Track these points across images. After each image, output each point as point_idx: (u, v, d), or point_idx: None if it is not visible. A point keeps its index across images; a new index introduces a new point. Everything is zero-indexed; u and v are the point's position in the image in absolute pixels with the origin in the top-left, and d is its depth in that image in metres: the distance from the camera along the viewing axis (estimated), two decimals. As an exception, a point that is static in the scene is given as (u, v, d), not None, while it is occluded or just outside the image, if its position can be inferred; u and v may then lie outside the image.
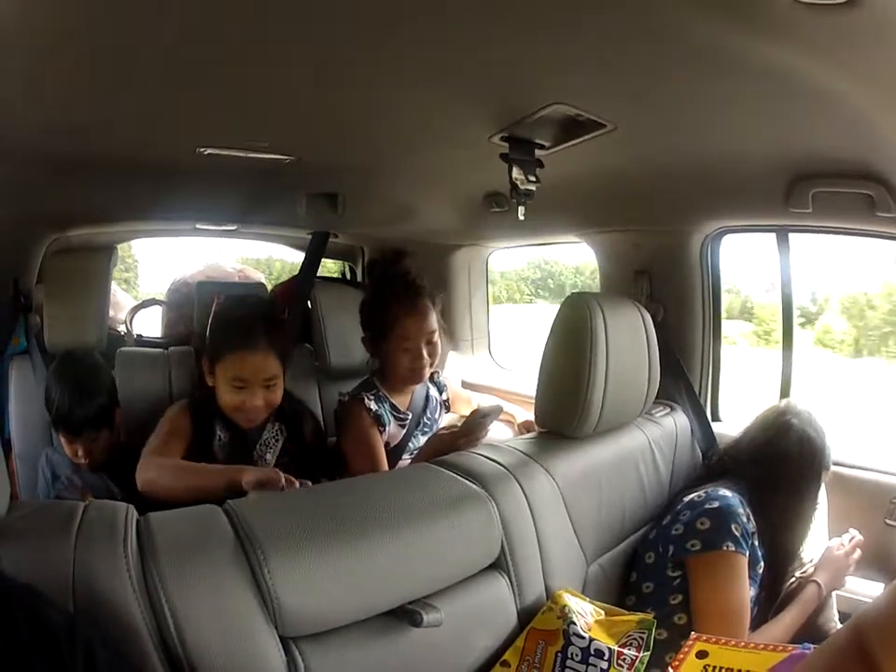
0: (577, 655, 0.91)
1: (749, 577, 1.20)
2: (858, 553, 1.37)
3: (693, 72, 0.98)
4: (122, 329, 2.22)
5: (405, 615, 0.85)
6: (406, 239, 2.22)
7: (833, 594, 1.36)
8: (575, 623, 0.94)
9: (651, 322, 1.40)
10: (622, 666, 0.90)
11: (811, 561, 1.36)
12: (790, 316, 1.60)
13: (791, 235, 1.55)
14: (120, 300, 2.39)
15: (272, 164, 1.57)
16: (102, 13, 0.84)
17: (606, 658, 0.90)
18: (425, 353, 1.52)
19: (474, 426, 1.39)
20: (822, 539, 1.40)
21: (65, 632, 0.60)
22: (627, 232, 1.72)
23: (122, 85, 1.09)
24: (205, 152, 1.46)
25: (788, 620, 1.25)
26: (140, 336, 2.23)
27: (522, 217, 1.42)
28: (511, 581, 1.02)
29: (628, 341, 1.32)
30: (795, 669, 0.65)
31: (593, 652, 0.91)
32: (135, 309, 2.25)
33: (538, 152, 1.36)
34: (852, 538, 1.38)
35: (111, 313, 2.01)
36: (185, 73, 1.06)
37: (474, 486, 1.03)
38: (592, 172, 1.49)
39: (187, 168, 1.58)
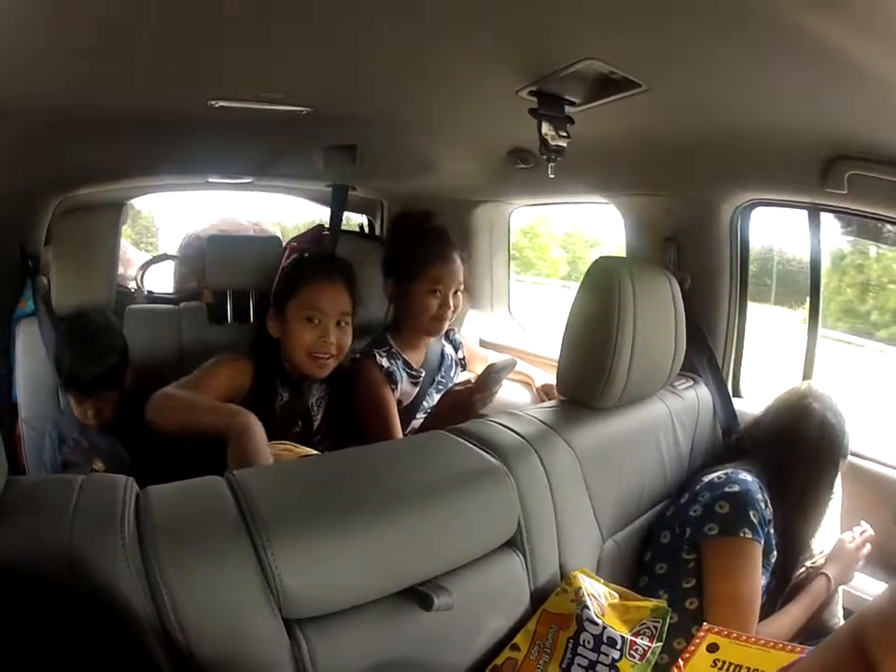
0: (589, 642, 0.89)
1: (763, 565, 1.18)
2: (868, 547, 1.34)
3: (735, 37, 0.91)
4: (132, 285, 2.18)
5: (415, 597, 0.82)
6: (427, 193, 2.17)
7: (841, 589, 1.34)
8: (588, 608, 0.92)
9: (679, 291, 1.35)
10: (633, 657, 0.88)
11: (821, 552, 1.34)
12: (817, 295, 1.54)
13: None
14: (131, 256, 2.35)
15: (287, 116, 1.50)
16: None
17: (618, 647, 0.89)
18: (451, 302, 1.52)
19: (488, 381, 1.37)
20: (834, 531, 1.38)
21: (63, 614, 0.59)
22: (657, 198, 1.64)
23: (131, 37, 1.03)
24: (217, 105, 1.40)
25: (796, 612, 1.24)
26: (151, 292, 2.21)
27: (552, 175, 1.36)
28: (525, 560, 0.99)
29: (656, 309, 1.28)
30: (793, 670, 0.65)
31: (605, 640, 0.89)
32: (146, 265, 2.21)
33: (567, 109, 1.28)
34: (863, 531, 1.36)
35: (121, 269, 1.97)
36: (196, 24, 1.00)
37: (492, 459, 0.99)
38: (623, 133, 1.41)
39: (199, 121, 1.52)
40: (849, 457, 1.35)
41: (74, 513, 0.70)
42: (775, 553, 1.22)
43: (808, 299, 1.56)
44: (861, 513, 1.40)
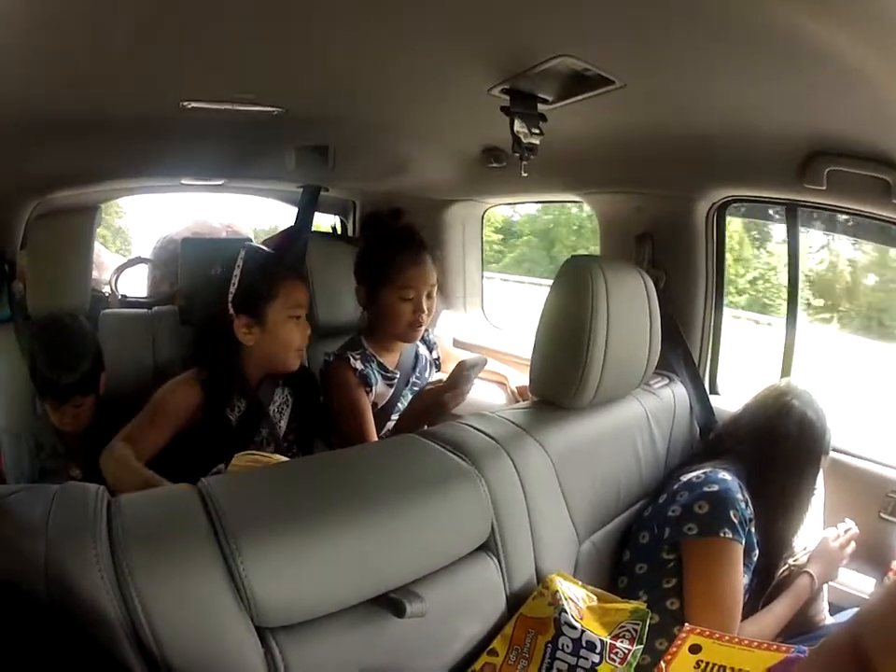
0: (568, 647, 0.88)
1: (744, 564, 1.18)
2: (852, 545, 1.34)
3: (707, 32, 0.91)
4: (107, 289, 2.14)
5: (388, 604, 0.81)
6: (400, 193, 2.16)
7: (825, 586, 1.34)
8: (566, 612, 0.91)
9: (654, 289, 1.34)
10: (613, 660, 0.88)
11: (804, 549, 1.34)
12: (795, 291, 1.55)
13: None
14: (105, 259, 2.30)
15: (259, 117, 1.49)
16: None
17: (598, 651, 0.88)
18: (424, 306, 1.49)
19: (459, 378, 1.37)
20: (817, 528, 1.38)
21: (39, 625, 0.59)
22: (631, 195, 1.64)
23: (101, 38, 1.02)
24: (189, 106, 1.38)
25: (779, 610, 1.24)
26: (125, 297, 2.16)
27: (525, 174, 1.35)
28: (500, 564, 0.98)
29: (630, 308, 1.27)
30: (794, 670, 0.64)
31: (584, 644, 0.88)
32: (120, 268, 2.17)
33: (540, 106, 1.28)
34: (847, 529, 1.36)
35: (95, 273, 1.93)
36: (167, 25, 0.99)
37: (463, 462, 0.98)
38: (597, 130, 1.41)
39: (172, 123, 1.50)
40: (831, 454, 1.36)
41: (48, 526, 0.70)
42: (756, 551, 1.22)
43: (787, 296, 1.57)
44: (844, 510, 1.40)
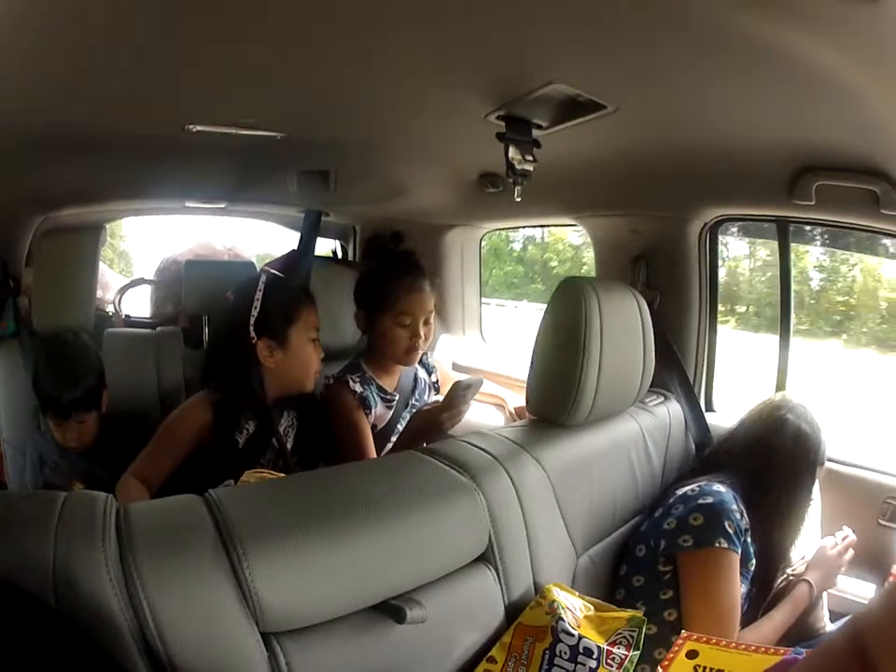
0: (565, 653, 0.89)
1: (741, 574, 1.19)
2: (851, 552, 1.36)
3: (698, 54, 0.94)
4: (110, 309, 2.18)
5: (389, 611, 0.83)
6: (399, 218, 2.20)
7: (824, 593, 1.35)
8: (564, 620, 0.92)
9: (647, 309, 1.37)
10: (611, 666, 0.89)
11: (802, 559, 1.35)
12: (788, 307, 1.58)
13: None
14: (109, 279, 2.35)
15: (262, 141, 1.52)
16: None
17: (595, 657, 0.89)
18: (422, 332, 1.51)
19: (455, 399, 1.38)
20: (815, 537, 1.39)
21: (47, 627, 0.60)
22: (625, 217, 1.68)
23: (109, 61, 1.05)
24: (194, 129, 1.41)
25: (778, 618, 1.24)
26: (128, 316, 2.20)
27: (518, 199, 1.39)
28: (498, 575, 0.99)
29: (623, 327, 1.29)
30: (792, 670, 0.65)
31: (581, 651, 0.89)
32: (124, 289, 2.21)
33: (535, 132, 1.32)
34: (845, 536, 1.37)
35: (99, 293, 1.97)
36: (173, 48, 1.02)
37: (461, 476, 1.01)
38: (590, 154, 1.45)
39: (176, 145, 1.54)
40: (827, 464, 1.37)
41: (57, 527, 0.71)
42: (753, 561, 1.23)
43: (780, 310, 1.59)
44: (842, 518, 1.42)
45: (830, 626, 1.34)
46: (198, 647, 0.71)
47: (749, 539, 1.21)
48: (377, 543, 0.85)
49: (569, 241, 5.41)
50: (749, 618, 1.24)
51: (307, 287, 1.50)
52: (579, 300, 1.20)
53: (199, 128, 1.41)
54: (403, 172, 1.83)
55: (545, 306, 1.28)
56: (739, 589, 1.18)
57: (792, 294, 1.58)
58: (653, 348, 1.38)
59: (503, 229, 2.41)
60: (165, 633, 0.70)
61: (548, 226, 2.23)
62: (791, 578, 1.32)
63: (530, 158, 1.33)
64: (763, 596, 1.29)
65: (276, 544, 0.78)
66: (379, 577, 0.85)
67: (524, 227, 2.37)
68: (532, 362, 1.27)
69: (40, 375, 1.57)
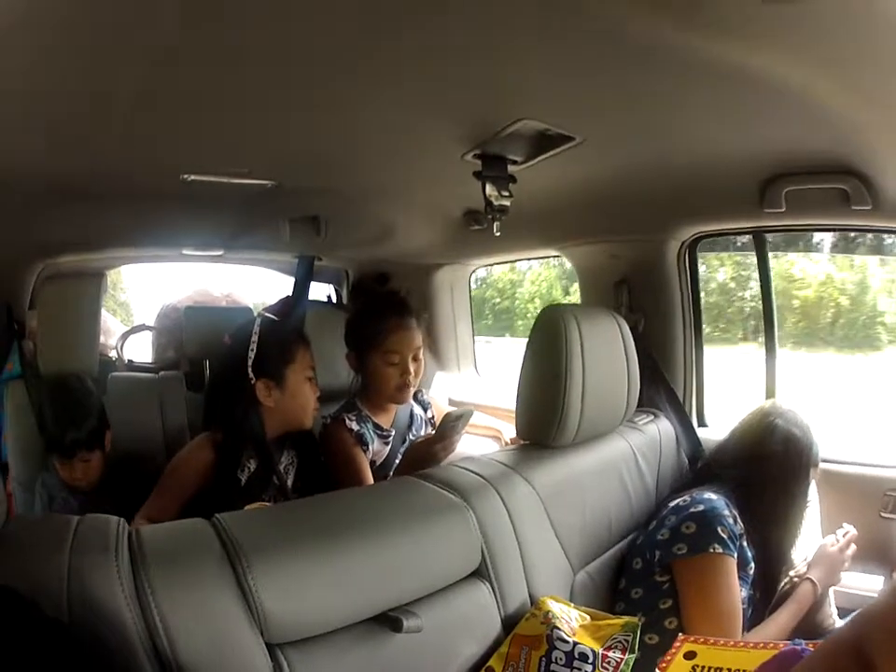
0: (561, 659, 0.91)
1: (740, 578, 1.20)
2: (853, 548, 1.36)
3: (659, 79, 0.99)
4: (113, 354, 2.24)
5: (386, 621, 0.87)
6: (389, 260, 2.26)
7: (831, 590, 1.36)
8: (559, 628, 0.95)
9: (629, 331, 1.42)
10: (606, 669, 0.91)
11: (805, 560, 1.36)
12: (771, 317, 1.61)
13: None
14: (111, 326, 2.42)
15: (254, 190, 1.60)
16: (86, 43, 0.87)
17: (590, 661, 0.91)
18: (411, 369, 1.55)
19: (446, 430, 1.41)
20: (816, 537, 1.41)
21: (60, 640, 0.62)
22: (604, 244, 1.74)
23: (106, 113, 1.11)
24: (189, 179, 1.48)
25: (783, 619, 1.25)
26: (131, 361, 2.26)
27: (497, 234, 1.45)
28: (493, 589, 1.03)
29: (605, 350, 1.34)
30: (793, 670, 0.65)
31: (577, 656, 0.91)
32: (126, 334, 2.28)
33: (510, 168, 1.39)
34: (846, 532, 1.38)
35: (101, 338, 2.02)
36: (167, 101, 1.09)
37: (452, 496, 1.05)
38: (565, 185, 1.52)
39: (172, 195, 1.61)
40: (823, 465, 1.39)
41: (72, 546, 0.75)
42: (752, 565, 1.24)
43: (763, 321, 1.63)
44: (844, 516, 1.43)
45: (839, 623, 1.34)
46: (206, 656, 0.74)
47: (745, 544, 1.22)
48: (374, 559, 0.89)
49: (508, 278, 5.61)
50: (755, 622, 1.25)
51: (302, 330, 1.54)
52: (558, 326, 1.24)
53: (194, 177, 1.48)
54: (390, 215, 1.91)
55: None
56: (739, 593, 1.19)
57: (775, 304, 1.62)
58: (637, 369, 1.41)
59: (491, 264, 2.48)
60: (175, 643, 0.73)
61: (532, 259, 2.28)
62: (795, 579, 1.33)
63: (506, 193, 1.39)
64: (767, 600, 1.29)
65: (279, 558, 0.82)
66: (377, 590, 0.88)
67: (510, 262, 2.42)
68: (518, 388, 1.31)
69: (45, 416, 1.62)
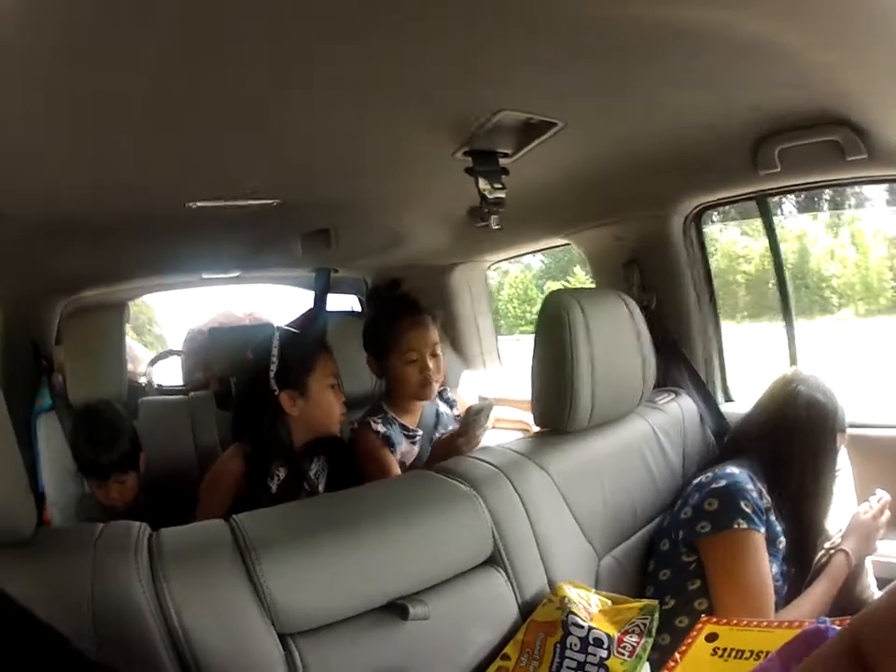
0: (576, 645, 0.91)
1: (770, 554, 1.17)
2: (887, 514, 1.32)
3: (630, 52, 0.98)
4: (143, 380, 2.33)
5: (395, 610, 0.89)
6: (404, 265, 2.28)
7: (868, 560, 1.31)
8: (574, 614, 0.94)
9: (639, 311, 1.40)
10: (622, 654, 0.90)
11: (839, 531, 1.32)
12: (784, 284, 1.57)
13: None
14: (138, 353, 2.51)
15: (260, 209, 1.64)
16: (85, 79, 0.91)
17: (605, 646, 0.90)
18: (431, 365, 1.56)
19: (468, 424, 1.42)
20: (850, 506, 1.36)
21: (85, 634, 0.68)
22: (609, 226, 1.73)
23: (110, 149, 1.17)
24: (195, 206, 1.53)
25: (817, 594, 1.21)
26: (160, 385, 2.35)
27: (496, 227, 1.45)
28: (508, 577, 1.03)
29: (613, 331, 1.32)
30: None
31: (591, 641, 0.91)
32: (154, 360, 2.37)
33: (502, 161, 1.39)
34: (879, 498, 1.33)
35: (130, 366, 2.11)
36: (160, 133, 1.13)
37: (461, 486, 1.06)
38: (561, 172, 1.51)
39: (181, 223, 1.67)
40: (853, 430, 1.35)
41: (95, 548, 0.80)
42: (782, 539, 1.21)
43: (778, 290, 1.59)
44: (877, 481, 1.38)
45: (878, 594, 1.29)
46: (220, 645, 0.79)
47: (773, 518, 1.20)
48: (383, 549, 0.92)
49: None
50: (790, 598, 1.22)
51: (321, 339, 1.56)
52: (561, 311, 1.24)
53: (199, 204, 1.53)
54: (396, 220, 1.93)
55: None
56: (768, 569, 1.15)
57: (786, 272, 1.58)
58: (651, 348, 1.40)
59: (505, 259, 2.47)
60: (190, 634, 0.78)
61: (544, 250, 2.27)
62: (831, 551, 1.28)
63: (499, 186, 1.39)
64: (803, 574, 1.25)
65: (287, 551, 0.86)
66: (386, 579, 0.91)
67: (522, 255, 2.42)
68: (531, 375, 1.31)
69: (78, 441, 1.70)
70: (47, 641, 0.56)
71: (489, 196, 1.40)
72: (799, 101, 1.18)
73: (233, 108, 1.08)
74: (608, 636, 0.91)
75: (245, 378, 1.61)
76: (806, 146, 1.25)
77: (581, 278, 3.93)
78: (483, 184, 1.39)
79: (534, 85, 1.11)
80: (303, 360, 1.49)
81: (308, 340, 1.58)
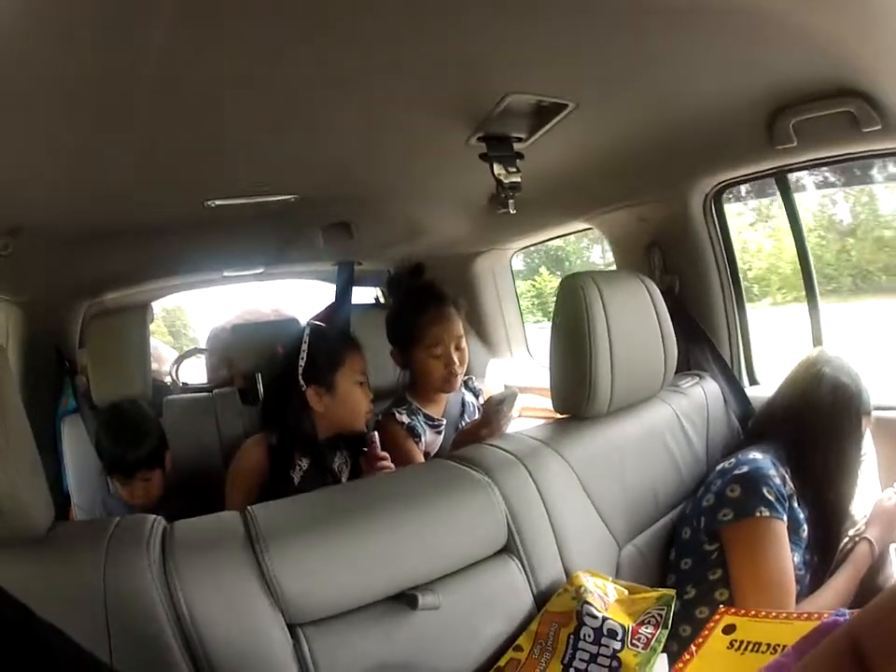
0: (589, 636, 0.90)
1: (792, 542, 1.14)
2: None
3: (638, 29, 0.95)
4: (168, 379, 2.38)
5: (404, 599, 0.89)
6: (427, 254, 2.26)
7: (892, 549, 1.27)
8: (589, 604, 0.93)
9: (659, 293, 1.37)
10: (636, 645, 0.88)
11: (864, 518, 1.28)
12: (808, 264, 1.52)
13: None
14: (163, 353, 2.56)
15: (279, 205, 1.65)
16: (95, 85, 0.92)
17: (619, 637, 0.89)
18: (455, 358, 1.55)
19: (491, 414, 1.41)
20: (874, 492, 1.32)
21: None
22: (630, 208, 1.69)
23: (127, 152, 1.18)
24: (213, 204, 1.55)
25: (839, 584, 1.18)
26: (185, 384, 2.40)
27: (513, 211, 1.43)
28: (523, 566, 1.02)
29: (632, 314, 1.30)
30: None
31: (605, 633, 0.89)
32: (179, 359, 2.42)
33: (517, 145, 1.37)
34: None
35: (155, 366, 2.15)
36: (173, 134, 1.15)
37: (475, 473, 1.05)
38: (576, 154, 1.49)
39: (200, 222, 1.69)
40: (878, 412, 1.31)
41: (110, 539, 0.82)
42: (804, 527, 1.18)
43: (801, 270, 1.54)
44: None
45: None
46: (229, 635, 0.79)
47: (795, 505, 1.16)
48: (393, 538, 0.92)
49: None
50: (814, 587, 1.19)
51: (350, 335, 1.56)
52: (578, 294, 1.22)
53: (217, 202, 1.54)
54: (415, 210, 1.93)
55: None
56: (790, 558, 1.12)
57: (809, 252, 1.52)
58: (672, 331, 1.36)
59: (529, 246, 2.45)
60: (200, 624, 0.79)
61: (567, 234, 2.23)
62: (856, 539, 1.25)
63: (514, 169, 1.38)
64: (826, 563, 1.22)
65: (296, 541, 0.87)
66: (395, 568, 0.91)
67: (545, 241, 2.38)
68: (550, 361, 1.29)
69: (103, 440, 1.72)
70: (43, 640, 0.57)
71: (505, 181, 1.39)
72: (812, 73, 1.14)
73: (245, 106, 1.09)
74: (622, 627, 0.89)
75: (274, 372, 1.63)
76: (821, 118, 1.21)
77: (546, 277, 3.99)
78: (497, 169, 1.38)
79: (541, 67, 1.08)
80: (332, 356, 1.50)
81: (338, 336, 1.58)
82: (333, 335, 1.58)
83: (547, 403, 1.86)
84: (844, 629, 0.45)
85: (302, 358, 1.50)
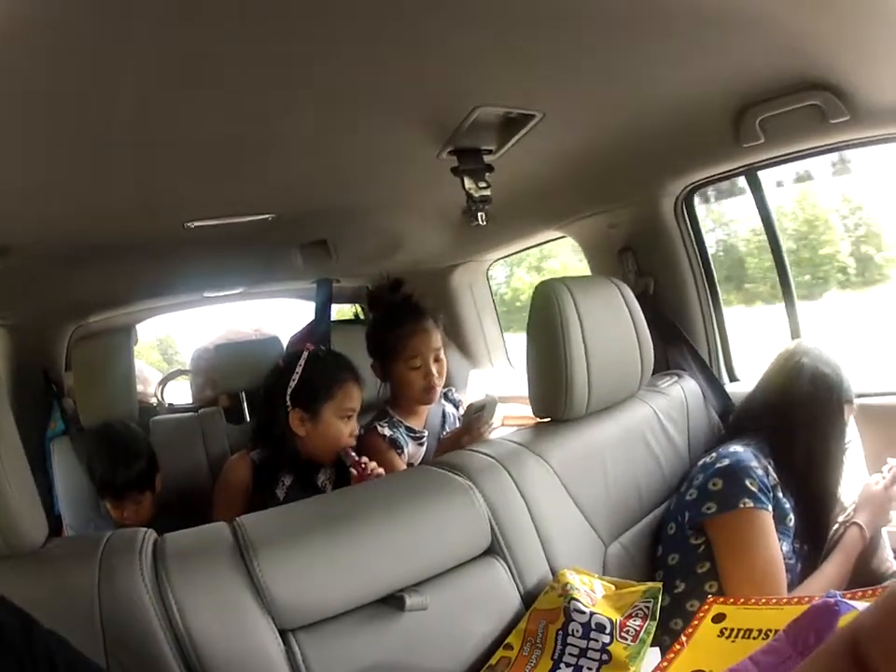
0: (578, 631, 0.91)
1: (779, 531, 1.15)
2: None
3: (597, 33, 0.98)
4: (154, 400, 2.38)
5: (392, 601, 0.90)
6: (405, 269, 2.28)
7: (884, 532, 1.29)
8: (577, 600, 0.94)
9: (633, 296, 1.39)
10: (625, 638, 0.89)
11: (853, 504, 1.30)
12: (782, 260, 1.55)
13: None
14: (148, 375, 2.55)
15: (257, 225, 1.67)
16: (71, 107, 0.94)
17: (608, 631, 0.90)
18: (434, 370, 1.57)
19: (471, 421, 1.43)
20: (863, 478, 1.33)
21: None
22: (600, 215, 1.72)
23: (107, 176, 1.20)
24: (192, 226, 1.56)
25: (830, 570, 1.19)
26: (171, 405, 2.39)
27: (484, 223, 1.46)
28: (509, 567, 1.03)
29: (606, 317, 1.32)
30: None
31: (594, 627, 0.90)
32: (164, 381, 2.43)
33: (487, 158, 1.40)
34: (891, 468, 1.30)
35: (140, 388, 2.15)
36: (150, 159, 1.17)
37: (457, 478, 1.06)
38: (546, 163, 1.51)
39: (181, 244, 1.70)
40: (860, 400, 1.33)
41: (102, 553, 0.83)
42: (791, 516, 1.19)
43: (775, 266, 1.57)
44: (887, 451, 1.35)
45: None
46: (222, 644, 0.80)
47: (780, 495, 1.18)
48: (378, 542, 0.93)
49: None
50: (805, 575, 1.20)
51: (351, 365, 1.55)
52: (551, 299, 1.24)
53: (197, 224, 1.56)
54: (392, 226, 1.95)
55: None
56: (778, 548, 1.14)
57: (783, 246, 1.55)
58: (647, 332, 1.39)
59: (504, 257, 2.47)
60: (192, 631, 0.79)
61: (542, 244, 2.26)
62: (846, 525, 1.26)
63: (484, 184, 1.40)
64: (817, 551, 1.23)
65: (284, 548, 0.88)
66: (382, 573, 0.92)
67: (520, 251, 2.41)
68: (526, 366, 1.31)
69: (94, 462, 1.71)
70: (45, 645, 0.58)
71: (475, 195, 1.41)
72: (778, 68, 1.16)
73: (218, 129, 1.11)
74: (610, 620, 0.90)
75: (265, 386, 1.62)
76: (787, 113, 1.24)
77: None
78: (468, 183, 1.40)
79: (506, 80, 1.11)
80: (323, 389, 1.49)
81: (336, 364, 1.56)
82: (331, 365, 1.55)
83: (529, 411, 1.88)
84: (844, 631, 0.45)
85: (294, 380, 1.51)
